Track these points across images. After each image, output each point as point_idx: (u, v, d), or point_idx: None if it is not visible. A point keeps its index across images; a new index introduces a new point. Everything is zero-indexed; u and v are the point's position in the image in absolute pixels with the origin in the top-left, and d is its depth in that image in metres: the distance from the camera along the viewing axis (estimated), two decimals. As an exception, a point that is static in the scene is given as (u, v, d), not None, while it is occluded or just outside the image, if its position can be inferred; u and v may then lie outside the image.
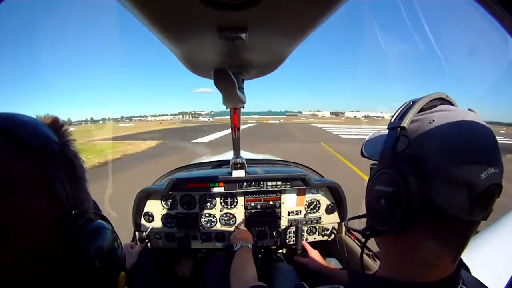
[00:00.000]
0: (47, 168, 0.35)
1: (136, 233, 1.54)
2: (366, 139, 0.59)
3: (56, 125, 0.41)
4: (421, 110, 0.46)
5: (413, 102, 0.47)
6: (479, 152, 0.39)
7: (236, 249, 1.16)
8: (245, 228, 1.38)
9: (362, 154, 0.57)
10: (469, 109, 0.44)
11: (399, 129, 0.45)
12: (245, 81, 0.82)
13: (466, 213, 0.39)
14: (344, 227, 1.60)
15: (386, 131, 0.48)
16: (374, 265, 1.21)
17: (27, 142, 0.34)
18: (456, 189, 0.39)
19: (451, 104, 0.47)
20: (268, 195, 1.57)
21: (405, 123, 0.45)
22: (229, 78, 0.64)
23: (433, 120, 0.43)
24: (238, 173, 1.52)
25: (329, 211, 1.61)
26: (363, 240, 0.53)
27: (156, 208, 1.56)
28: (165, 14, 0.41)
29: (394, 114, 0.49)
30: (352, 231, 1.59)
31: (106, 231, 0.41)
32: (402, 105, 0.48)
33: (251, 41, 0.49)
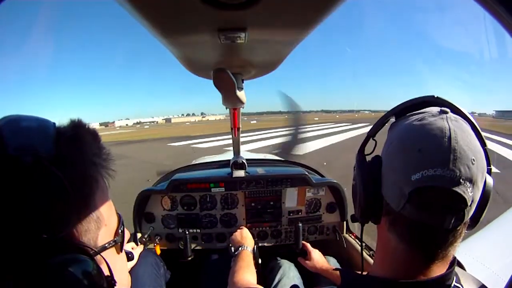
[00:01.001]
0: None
1: (137, 234, 1.54)
2: None
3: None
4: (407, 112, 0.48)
5: (395, 107, 0.51)
6: (416, 156, 0.40)
7: (236, 253, 1.16)
8: (245, 229, 1.38)
9: None
10: (441, 111, 0.43)
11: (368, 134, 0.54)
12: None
13: (399, 209, 0.41)
14: (345, 226, 1.60)
15: None
16: None
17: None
18: (392, 187, 0.43)
19: (441, 104, 0.46)
20: (268, 195, 1.57)
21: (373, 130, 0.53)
22: (228, 78, 0.64)
23: (394, 125, 0.48)
24: (239, 173, 1.52)
25: (329, 210, 1.61)
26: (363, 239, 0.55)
27: (156, 209, 1.56)
28: (164, 14, 0.41)
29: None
30: (352, 231, 1.60)
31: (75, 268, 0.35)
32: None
33: (250, 41, 0.49)
